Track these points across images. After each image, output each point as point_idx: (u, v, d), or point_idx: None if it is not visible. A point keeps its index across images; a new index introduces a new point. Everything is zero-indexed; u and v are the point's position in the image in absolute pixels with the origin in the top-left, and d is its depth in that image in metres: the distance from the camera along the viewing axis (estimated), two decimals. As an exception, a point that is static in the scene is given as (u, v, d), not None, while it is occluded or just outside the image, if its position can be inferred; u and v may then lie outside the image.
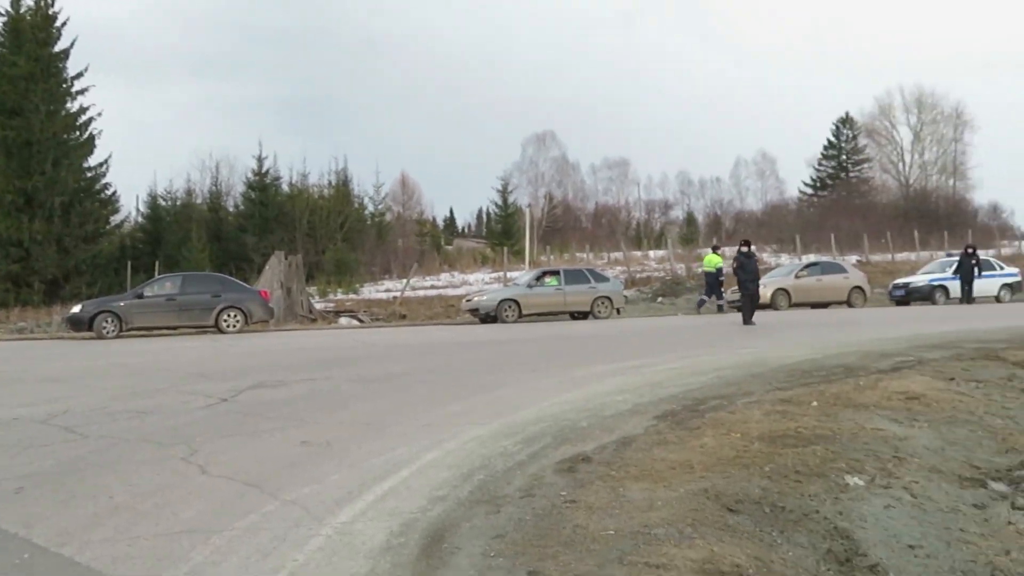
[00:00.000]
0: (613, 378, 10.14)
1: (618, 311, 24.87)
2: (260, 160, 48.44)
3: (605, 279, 25.77)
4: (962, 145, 75.21)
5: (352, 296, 36.87)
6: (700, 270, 29.12)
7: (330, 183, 51.99)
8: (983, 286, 27.83)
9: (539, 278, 24.90)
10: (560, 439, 6.86)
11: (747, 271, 18.55)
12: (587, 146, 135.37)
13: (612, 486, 5.46)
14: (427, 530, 4.68)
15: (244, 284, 25.15)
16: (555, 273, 25.30)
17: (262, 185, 48.21)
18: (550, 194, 74.64)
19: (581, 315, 24.53)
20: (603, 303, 24.43)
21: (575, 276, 25.07)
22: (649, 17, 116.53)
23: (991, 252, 39.49)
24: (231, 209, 50.64)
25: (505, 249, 44.78)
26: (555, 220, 71.90)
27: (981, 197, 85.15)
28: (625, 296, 26.70)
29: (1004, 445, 7.28)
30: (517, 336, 17.84)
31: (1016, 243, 52.18)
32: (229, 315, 22.01)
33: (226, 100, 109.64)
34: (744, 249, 19.15)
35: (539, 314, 24.30)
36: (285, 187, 49.94)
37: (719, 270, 25.83)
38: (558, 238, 62.36)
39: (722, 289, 26.06)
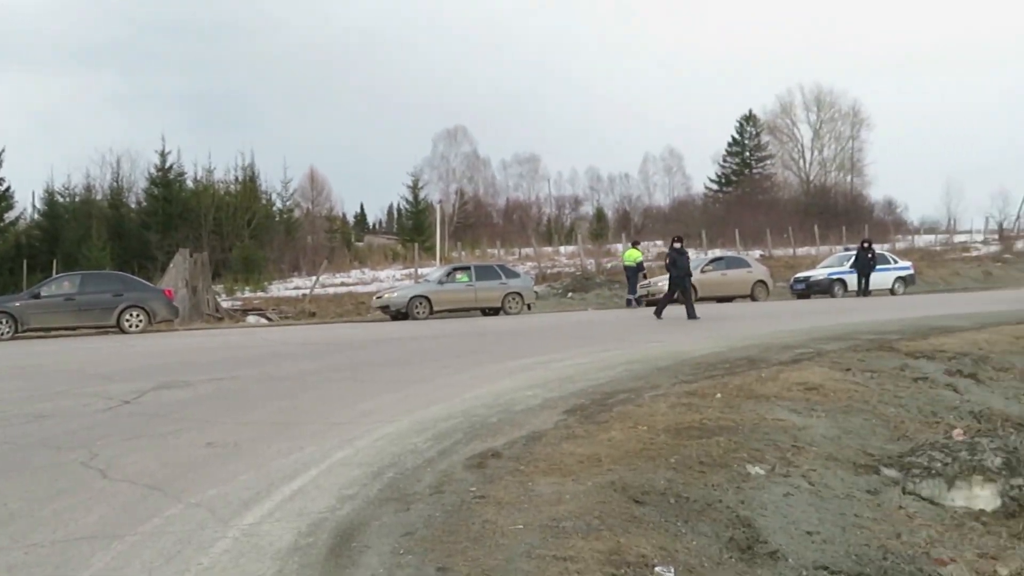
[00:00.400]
0: (523, 373, 10.22)
1: (528, 307, 25.05)
2: (163, 155, 47.33)
3: (516, 275, 25.92)
4: (859, 142, 78.11)
5: (260, 294, 36.27)
6: (616, 265, 29.40)
7: (237, 179, 50.94)
8: (878, 279, 28.90)
9: (450, 274, 24.90)
10: (470, 435, 6.90)
11: (679, 267, 18.83)
12: (498, 142, 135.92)
13: (521, 481, 5.52)
14: (336, 529, 4.65)
15: (147, 283, 24.50)
16: (466, 269, 25.34)
17: (165, 181, 47.03)
18: (461, 190, 74.60)
19: (492, 311, 24.62)
20: (514, 299, 24.58)
21: (486, 272, 25.14)
22: (557, 13, 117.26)
23: (886, 246, 40.95)
24: (133, 206, 49.30)
25: (416, 245, 44.62)
26: (466, 216, 71.87)
27: (877, 193, 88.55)
28: (535, 292, 26.88)
29: (896, 432, 7.59)
30: (428, 333, 17.80)
31: (909, 237, 54.26)
32: (131, 315, 21.41)
33: (126, 94, 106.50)
34: (677, 245, 19.36)
35: (450, 310, 24.28)
36: (190, 183, 48.90)
37: (639, 264, 26.21)
38: (469, 234, 62.40)
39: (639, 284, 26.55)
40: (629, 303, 26.04)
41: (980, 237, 55.12)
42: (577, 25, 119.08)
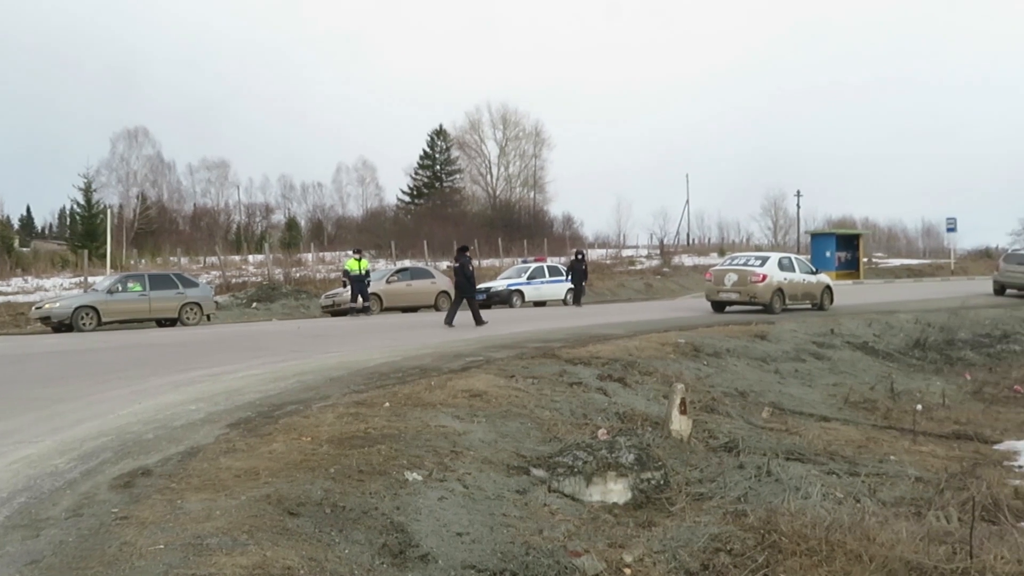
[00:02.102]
0: (191, 387, 9.81)
1: (208, 317, 24.08)
2: None
3: (194, 284, 24.82)
4: (541, 161, 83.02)
5: None
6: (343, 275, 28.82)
7: None
8: (554, 290, 30.78)
9: (121, 283, 23.34)
10: (122, 453, 6.53)
11: (466, 274, 19.17)
12: (185, 145, 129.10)
13: (170, 499, 5.31)
14: (-54, 565, 4.23)
15: None
16: (139, 278, 23.89)
17: None
18: (143, 194, 70.05)
19: (168, 322, 23.41)
20: (192, 309, 23.57)
21: (162, 281, 23.85)
22: (251, 17, 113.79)
23: (563, 259, 43.63)
24: None
25: (87, 252, 41.36)
26: (149, 222, 67.60)
27: (557, 209, 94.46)
28: (216, 302, 25.87)
29: (548, 434, 8.13)
30: (93, 345, 16.58)
31: (584, 251, 58.13)
32: None
33: None
34: (468, 255, 19.74)
35: (122, 321, 22.79)
36: None
37: (367, 272, 25.99)
38: (152, 241, 58.84)
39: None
40: (354, 311, 25.67)
41: (644, 252, 60.44)
42: (271, 32, 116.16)
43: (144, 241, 58.95)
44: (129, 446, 6.75)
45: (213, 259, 45.61)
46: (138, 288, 23.12)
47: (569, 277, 29.87)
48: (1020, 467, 9.08)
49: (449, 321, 18.78)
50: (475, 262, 36.98)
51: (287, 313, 28.77)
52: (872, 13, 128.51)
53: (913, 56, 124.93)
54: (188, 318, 23.35)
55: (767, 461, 7.79)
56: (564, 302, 30.70)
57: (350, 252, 29.88)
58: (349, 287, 25.47)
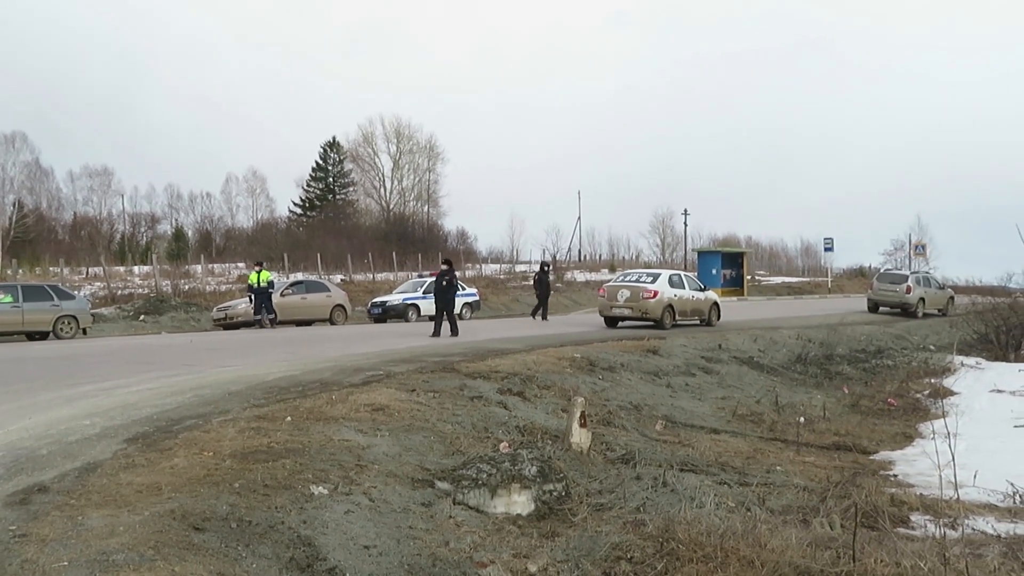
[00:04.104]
0: (83, 401, 9.53)
1: (84, 331, 23.24)
2: None
3: (70, 296, 23.94)
4: (435, 175, 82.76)
5: None
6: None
7: None
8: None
9: (-9, 295, 22.29)
10: (14, 470, 6.34)
11: (436, 290, 20.45)
12: (65, 152, 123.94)
13: (71, 515, 5.21)
14: None
15: None
16: (11, 289, 22.85)
17: None
18: (20, 202, 67.00)
19: (41, 335, 22.50)
20: (67, 322, 22.70)
21: (35, 293, 22.86)
22: (130, 20, 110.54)
23: (457, 273, 43.79)
24: None
25: (-41, 260, 39.41)
26: (26, 231, 64.66)
27: (451, 223, 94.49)
28: (92, 315, 24.96)
29: (452, 448, 8.24)
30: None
31: (478, 266, 58.52)
32: None
33: None
34: (444, 267, 20.78)
35: (-10, 334, 21.77)
36: None
37: (271, 283, 25.59)
38: (30, 250, 56.34)
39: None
40: (260, 323, 25.16)
41: (537, 267, 61.11)
42: (154, 38, 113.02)
43: (21, 250, 56.32)
44: (22, 462, 6.55)
45: (96, 269, 44.02)
46: (9, 299, 22.09)
47: (536, 292, 28.65)
48: (895, 476, 9.62)
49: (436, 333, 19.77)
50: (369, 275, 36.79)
51: (177, 326, 28.03)
52: (754, 39, 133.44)
53: (792, 80, 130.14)
54: (63, 331, 22.48)
55: (663, 472, 8.08)
56: (459, 316, 30.77)
57: (240, 264, 29.37)
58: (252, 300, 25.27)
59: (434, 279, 30.81)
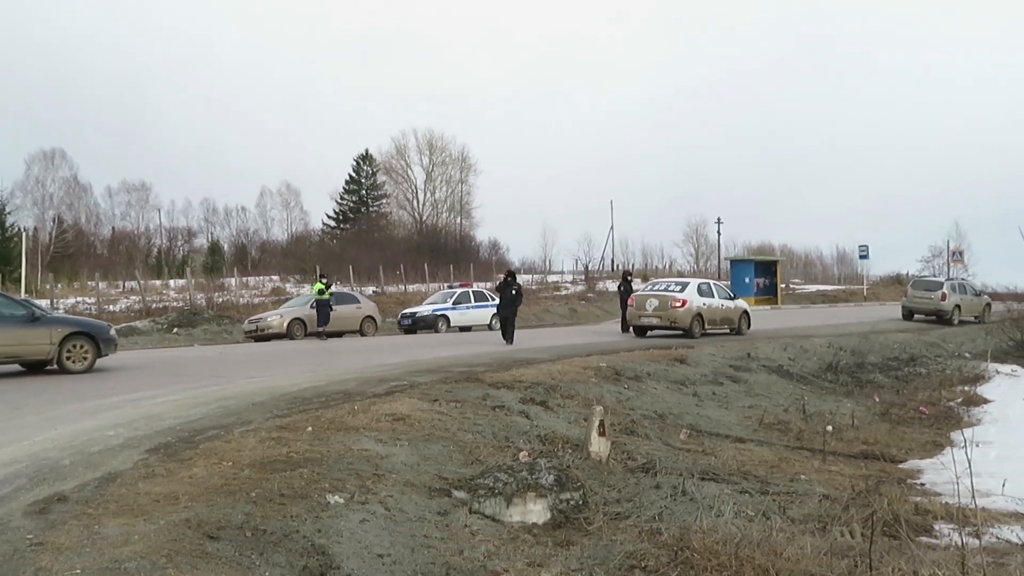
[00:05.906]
0: (108, 412, 9.68)
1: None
2: None
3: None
4: (467, 186, 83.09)
5: None
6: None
7: None
8: (479, 315, 30.90)
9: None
10: (37, 480, 6.45)
11: (502, 298, 21.77)
12: (103, 167, 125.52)
13: (87, 524, 5.29)
14: None
15: None
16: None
17: None
18: (59, 217, 68.20)
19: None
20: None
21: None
22: (170, 40, 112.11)
23: (489, 285, 43.82)
24: None
25: (1, 276, 40.16)
26: (66, 246, 65.77)
27: (483, 234, 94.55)
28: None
29: (470, 457, 8.25)
30: None
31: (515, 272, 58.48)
32: None
33: None
34: (508, 279, 21.63)
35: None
36: None
37: (333, 296, 26.14)
38: (69, 265, 57.26)
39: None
40: (320, 335, 25.58)
41: (569, 277, 61.09)
42: (190, 55, 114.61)
43: (60, 265, 57.27)
44: (44, 472, 6.66)
45: (133, 284, 44.66)
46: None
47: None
48: (922, 484, 9.49)
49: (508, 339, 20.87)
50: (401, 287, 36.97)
51: (209, 338, 28.33)
52: (785, 49, 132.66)
53: (827, 86, 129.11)
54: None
55: (682, 481, 8.03)
56: (489, 327, 30.81)
57: (275, 276, 29.68)
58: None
59: (463, 289, 31.05)
